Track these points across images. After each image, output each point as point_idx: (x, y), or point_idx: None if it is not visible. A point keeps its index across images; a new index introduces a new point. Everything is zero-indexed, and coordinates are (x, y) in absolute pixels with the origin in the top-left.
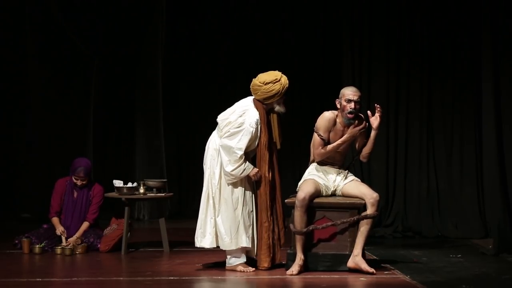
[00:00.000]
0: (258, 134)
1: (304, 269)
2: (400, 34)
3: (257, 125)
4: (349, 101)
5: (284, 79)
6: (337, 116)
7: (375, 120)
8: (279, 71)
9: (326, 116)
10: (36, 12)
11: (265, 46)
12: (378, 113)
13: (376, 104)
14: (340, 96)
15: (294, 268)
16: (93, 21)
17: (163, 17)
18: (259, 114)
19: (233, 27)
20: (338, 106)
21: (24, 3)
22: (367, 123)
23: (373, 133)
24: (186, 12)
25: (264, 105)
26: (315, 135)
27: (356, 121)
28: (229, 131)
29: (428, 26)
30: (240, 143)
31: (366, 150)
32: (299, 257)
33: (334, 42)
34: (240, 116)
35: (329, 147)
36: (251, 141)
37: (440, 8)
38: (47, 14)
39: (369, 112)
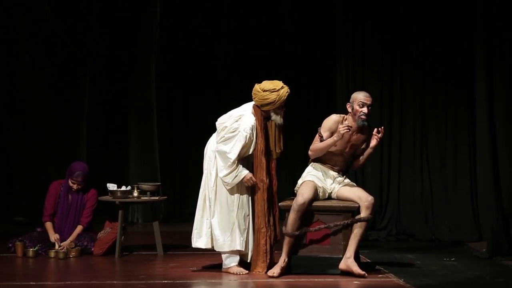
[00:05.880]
0: (254, 140)
1: (286, 271)
2: (393, 34)
3: (251, 130)
4: (362, 105)
5: (283, 91)
6: (344, 119)
7: (373, 140)
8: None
9: (332, 117)
10: (29, 14)
11: (260, 49)
12: (380, 134)
13: (381, 127)
14: (351, 100)
15: (276, 270)
16: (87, 22)
17: (157, 18)
18: (257, 119)
19: (228, 29)
20: (350, 110)
21: (16, 6)
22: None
23: (368, 151)
24: (180, 13)
25: (263, 112)
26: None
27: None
28: (224, 136)
29: (422, 26)
30: (234, 149)
31: (357, 163)
32: (283, 259)
33: (328, 43)
34: (236, 121)
35: (320, 144)
36: (246, 146)
37: (434, 7)
38: (39, 16)
39: (375, 129)
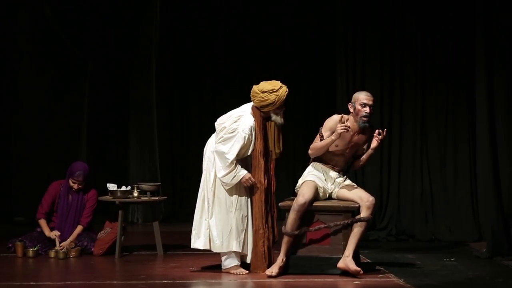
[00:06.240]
0: (252, 141)
1: (283, 271)
2: (393, 34)
3: (250, 131)
4: (364, 105)
5: (282, 90)
6: (347, 120)
7: (374, 142)
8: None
9: (334, 117)
10: (29, 15)
11: (260, 49)
12: (381, 136)
13: (384, 130)
14: (353, 100)
15: (274, 269)
16: (87, 23)
17: (157, 18)
18: (256, 120)
19: (228, 29)
20: (352, 110)
21: (17, 7)
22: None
23: (369, 151)
24: (180, 13)
25: (262, 113)
26: None
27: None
28: (222, 136)
29: (422, 26)
30: (232, 149)
31: (357, 163)
32: (281, 259)
33: (328, 44)
34: (235, 122)
35: (320, 143)
36: (245, 147)
37: (434, 8)
38: (40, 17)
39: (376, 130)
